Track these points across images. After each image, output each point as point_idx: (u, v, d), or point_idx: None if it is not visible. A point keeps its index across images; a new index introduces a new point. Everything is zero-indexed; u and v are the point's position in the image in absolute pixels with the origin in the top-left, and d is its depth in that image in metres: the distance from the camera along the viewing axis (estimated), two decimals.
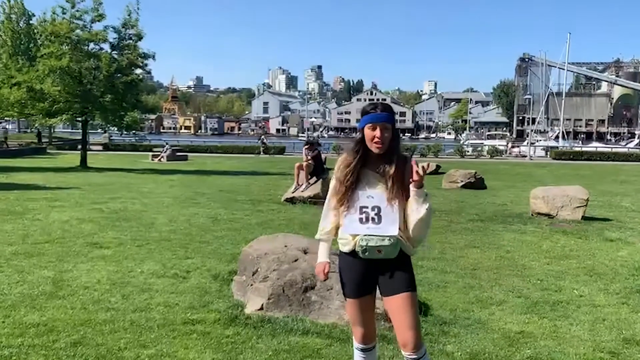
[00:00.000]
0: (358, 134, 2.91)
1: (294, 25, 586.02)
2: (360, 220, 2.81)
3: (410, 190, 2.78)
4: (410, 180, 2.76)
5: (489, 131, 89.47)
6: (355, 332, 2.98)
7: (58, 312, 4.58)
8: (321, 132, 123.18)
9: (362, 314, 2.92)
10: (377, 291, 2.94)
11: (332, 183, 2.95)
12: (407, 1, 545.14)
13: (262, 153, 39.13)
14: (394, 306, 2.82)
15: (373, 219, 2.80)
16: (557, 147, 46.70)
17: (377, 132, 2.79)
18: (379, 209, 2.79)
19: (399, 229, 2.80)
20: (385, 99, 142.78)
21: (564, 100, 66.43)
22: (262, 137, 48.01)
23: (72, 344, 3.91)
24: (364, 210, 2.81)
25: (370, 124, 2.81)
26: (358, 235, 2.81)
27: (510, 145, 50.12)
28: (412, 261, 2.95)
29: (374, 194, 2.81)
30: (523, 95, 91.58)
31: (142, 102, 24.90)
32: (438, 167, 22.70)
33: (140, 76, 23.50)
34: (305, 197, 11.83)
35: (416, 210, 2.78)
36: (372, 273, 2.88)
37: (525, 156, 41.46)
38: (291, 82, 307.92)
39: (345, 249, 2.89)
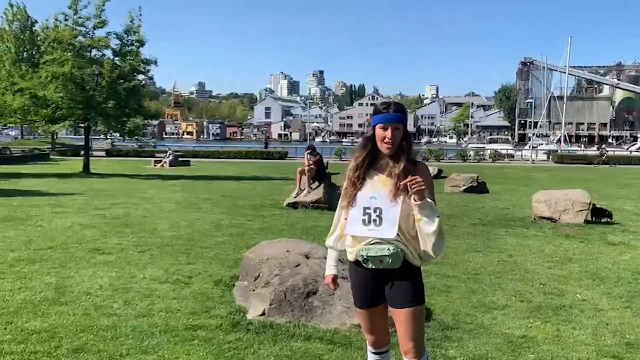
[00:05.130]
0: (369, 131, 2.82)
1: (296, 30, 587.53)
2: (363, 221, 2.72)
3: (413, 206, 2.65)
4: (410, 196, 2.63)
5: (490, 135, 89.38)
6: (367, 338, 2.96)
7: (60, 318, 4.58)
8: (323, 136, 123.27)
9: (371, 323, 2.88)
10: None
11: (344, 183, 2.87)
12: (408, 6, 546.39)
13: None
14: (398, 318, 2.77)
15: (375, 220, 2.69)
16: (557, 151, 46.71)
17: (388, 133, 2.70)
18: (381, 210, 2.69)
19: (402, 235, 2.68)
20: None
21: (566, 103, 66.48)
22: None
23: (74, 350, 3.91)
24: (367, 211, 2.72)
25: (381, 124, 2.73)
26: (359, 246, 2.74)
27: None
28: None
29: (377, 195, 2.71)
30: (525, 99, 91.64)
31: (145, 108, 24.98)
32: (440, 171, 22.71)
33: (143, 82, 23.61)
34: (308, 201, 11.83)
35: (424, 225, 2.66)
36: (378, 283, 2.79)
37: (528, 160, 41.45)
38: (293, 87, 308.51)
39: (351, 257, 2.83)
